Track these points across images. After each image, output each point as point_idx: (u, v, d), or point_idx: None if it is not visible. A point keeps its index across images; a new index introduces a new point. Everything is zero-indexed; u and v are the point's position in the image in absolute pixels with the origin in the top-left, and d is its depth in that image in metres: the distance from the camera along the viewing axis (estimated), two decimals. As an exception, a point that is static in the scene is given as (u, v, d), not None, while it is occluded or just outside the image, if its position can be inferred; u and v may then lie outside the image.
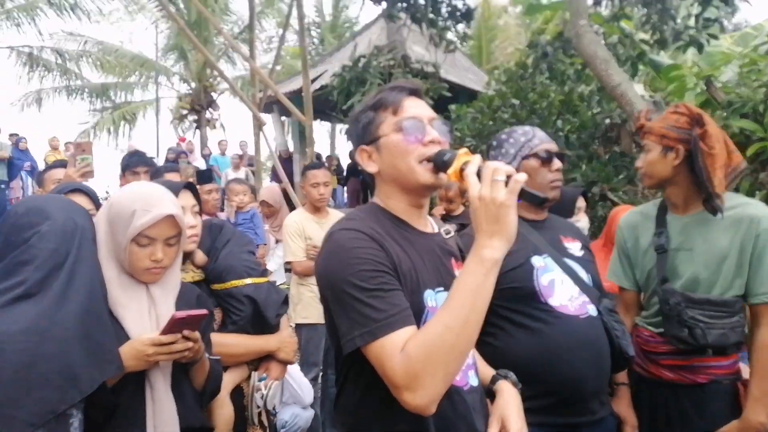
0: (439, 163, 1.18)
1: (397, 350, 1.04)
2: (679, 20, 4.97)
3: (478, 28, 14.14)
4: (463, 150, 1.15)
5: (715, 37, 4.91)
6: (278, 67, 12.14)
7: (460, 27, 5.49)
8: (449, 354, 1.02)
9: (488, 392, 1.30)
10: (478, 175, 1.06)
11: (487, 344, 1.71)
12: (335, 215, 3.62)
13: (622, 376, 1.86)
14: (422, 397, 1.01)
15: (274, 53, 9.79)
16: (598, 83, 5.07)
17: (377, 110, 1.26)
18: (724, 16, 5.27)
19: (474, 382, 1.26)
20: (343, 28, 20.13)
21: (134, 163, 3.19)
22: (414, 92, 1.29)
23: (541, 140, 1.80)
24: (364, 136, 1.27)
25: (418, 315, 1.15)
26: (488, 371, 1.36)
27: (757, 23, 6.69)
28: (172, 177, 2.99)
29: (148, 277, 1.55)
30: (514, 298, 1.66)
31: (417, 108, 1.26)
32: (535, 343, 1.63)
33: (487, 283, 1.04)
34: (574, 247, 1.81)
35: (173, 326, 1.43)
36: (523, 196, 1.05)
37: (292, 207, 6.04)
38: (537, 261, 1.70)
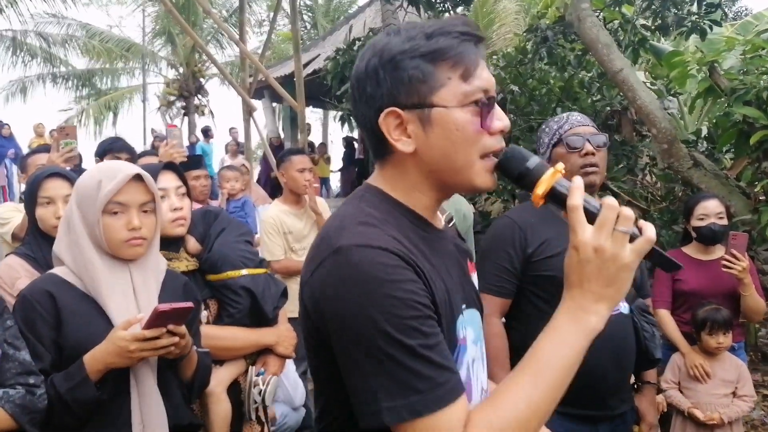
0: (515, 170, 0.85)
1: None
2: (681, 6, 4.90)
3: (474, 12, 13.96)
4: (560, 165, 0.85)
5: (718, 24, 4.84)
6: (268, 52, 11.92)
7: (459, 10, 5.37)
8: None
9: None
10: (587, 211, 0.81)
11: (514, 329, 1.76)
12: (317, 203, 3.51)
13: (650, 375, 1.88)
14: None
15: (264, 38, 9.60)
16: (598, 70, 4.98)
17: (436, 63, 0.84)
18: (725, 4, 5.21)
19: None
20: (337, 12, 19.85)
21: (118, 148, 3.04)
22: (481, 45, 0.88)
23: (572, 125, 1.76)
24: (407, 94, 0.85)
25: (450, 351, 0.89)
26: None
27: (758, 12, 6.64)
28: (151, 161, 2.86)
29: (130, 250, 1.44)
30: (548, 286, 1.66)
31: (488, 74, 0.87)
32: None
33: (583, 354, 0.83)
34: None
35: (157, 319, 1.32)
36: (653, 259, 0.82)
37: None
38: None
